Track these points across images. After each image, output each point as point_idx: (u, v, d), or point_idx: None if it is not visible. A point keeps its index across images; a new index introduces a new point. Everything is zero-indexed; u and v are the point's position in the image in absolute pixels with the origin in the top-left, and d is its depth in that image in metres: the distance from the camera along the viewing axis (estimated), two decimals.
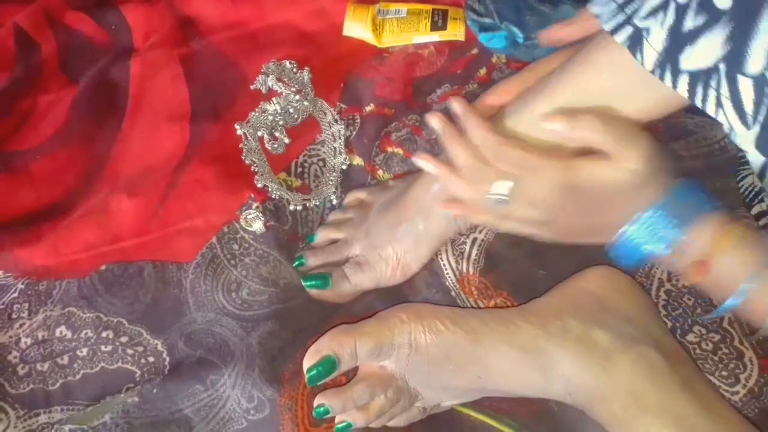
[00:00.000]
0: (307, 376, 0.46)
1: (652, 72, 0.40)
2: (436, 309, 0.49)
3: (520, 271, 0.54)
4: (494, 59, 0.64)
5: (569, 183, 0.45)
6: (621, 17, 0.41)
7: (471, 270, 0.55)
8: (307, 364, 0.46)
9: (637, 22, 0.40)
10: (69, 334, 0.55)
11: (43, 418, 0.52)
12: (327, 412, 0.47)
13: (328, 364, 0.46)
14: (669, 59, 0.39)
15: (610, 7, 0.42)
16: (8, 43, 0.67)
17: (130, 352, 0.54)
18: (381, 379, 0.48)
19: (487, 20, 0.61)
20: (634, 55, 0.40)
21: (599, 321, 0.46)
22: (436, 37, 0.66)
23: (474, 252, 0.55)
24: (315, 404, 0.47)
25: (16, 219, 0.59)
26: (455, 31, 0.65)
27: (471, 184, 0.48)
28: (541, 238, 0.49)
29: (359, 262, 0.54)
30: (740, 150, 0.56)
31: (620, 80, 0.44)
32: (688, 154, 0.57)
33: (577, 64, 0.45)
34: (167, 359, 0.54)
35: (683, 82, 0.39)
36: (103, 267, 0.57)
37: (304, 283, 0.54)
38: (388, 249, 0.54)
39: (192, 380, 0.52)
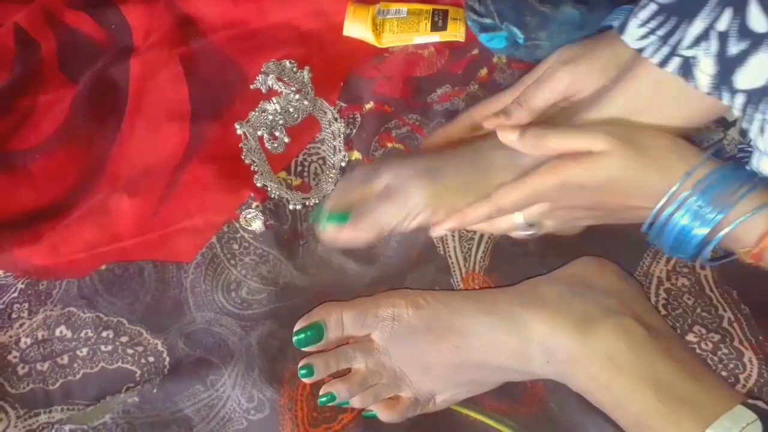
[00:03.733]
0: (294, 339, 0.50)
1: (709, 94, 0.41)
2: (421, 291, 0.52)
3: (523, 271, 0.54)
4: (495, 60, 0.64)
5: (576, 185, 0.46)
6: (666, 49, 0.43)
7: (477, 268, 0.55)
8: (296, 327, 0.50)
9: (682, 52, 0.42)
10: (69, 334, 0.55)
11: (43, 418, 0.52)
12: (311, 372, 0.49)
13: (316, 328, 0.50)
14: (723, 81, 0.40)
15: (651, 41, 0.43)
16: (8, 42, 0.67)
17: (130, 351, 0.54)
18: (363, 346, 0.50)
19: (487, 21, 0.61)
20: (688, 82, 0.42)
21: (578, 293, 0.48)
22: (437, 37, 0.66)
23: (481, 249, 0.56)
24: (299, 366, 0.50)
25: (16, 219, 0.59)
26: (455, 32, 0.65)
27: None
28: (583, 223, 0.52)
29: (382, 196, 0.51)
30: (739, 151, 0.56)
31: (664, 94, 0.45)
32: None
33: (621, 82, 0.47)
34: (167, 359, 0.54)
35: (739, 101, 0.40)
36: (103, 267, 0.57)
37: (322, 220, 0.51)
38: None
39: (192, 380, 0.53)
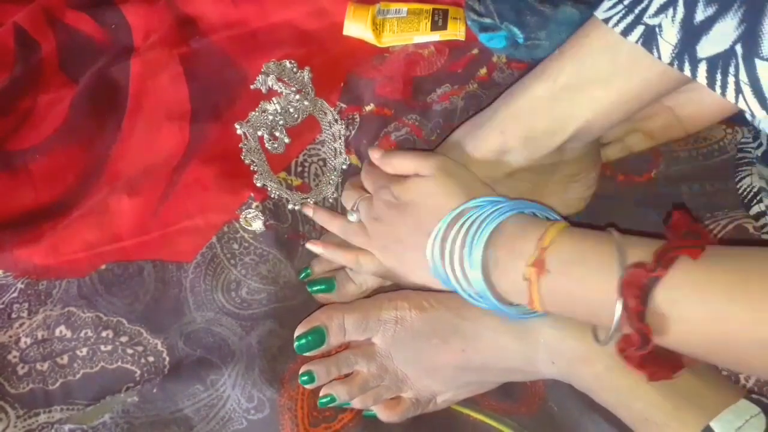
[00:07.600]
0: (296, 345, 0.50)
1: (670, 64, 0.40)
2: (423, 292, 0.51)
3: None
4: (495, 59, 0.64)
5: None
6: (630, 18, 0.41)
7: None
8: (297, 332, 0.50)
9: (647, 20, 0.40)
10: (69, 334, 0.55)
11: (42, 418, 0.52)
12: (312, 379, 0.49)
13: (318, 333, 0.50)
14: (685, 50, 0.39)
15: (618, 9, 0.42)
16: (8, 42, 0.67)
17: (129, 351, 0.54)
18: (365, 351, 0.50)
19: (487, 20, 0.61)
20: (651, 52, 0.41)
21: None
22: (437, 36, 0.66)
23: None
24: (300, 372, 0.50)
25: (16, 218, 0.59)
26: (456, 31, 0.65)
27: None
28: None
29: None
30: (739, 151, 0.56)
31: (617, 60, 0.44)
32: (686, 155, 0.57)
33: (574, 47, 0.46)
34: (167, 359, 0.54)
35: (702, 70, 0.39)
36: (103, 266, 0.57)
37: (309, 289, 0.55)
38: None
39: (192, 380, 0.52)
